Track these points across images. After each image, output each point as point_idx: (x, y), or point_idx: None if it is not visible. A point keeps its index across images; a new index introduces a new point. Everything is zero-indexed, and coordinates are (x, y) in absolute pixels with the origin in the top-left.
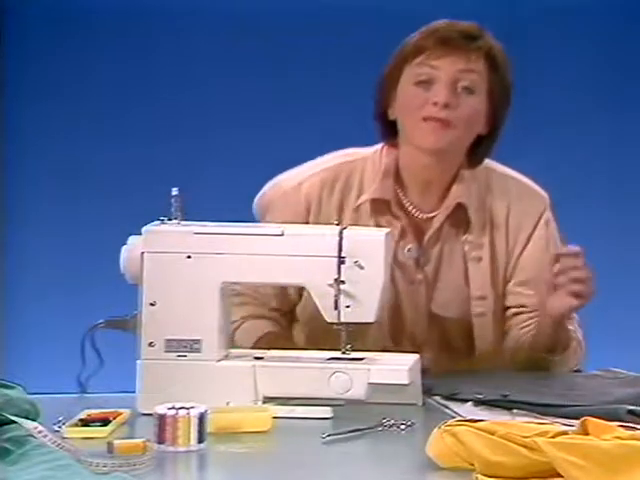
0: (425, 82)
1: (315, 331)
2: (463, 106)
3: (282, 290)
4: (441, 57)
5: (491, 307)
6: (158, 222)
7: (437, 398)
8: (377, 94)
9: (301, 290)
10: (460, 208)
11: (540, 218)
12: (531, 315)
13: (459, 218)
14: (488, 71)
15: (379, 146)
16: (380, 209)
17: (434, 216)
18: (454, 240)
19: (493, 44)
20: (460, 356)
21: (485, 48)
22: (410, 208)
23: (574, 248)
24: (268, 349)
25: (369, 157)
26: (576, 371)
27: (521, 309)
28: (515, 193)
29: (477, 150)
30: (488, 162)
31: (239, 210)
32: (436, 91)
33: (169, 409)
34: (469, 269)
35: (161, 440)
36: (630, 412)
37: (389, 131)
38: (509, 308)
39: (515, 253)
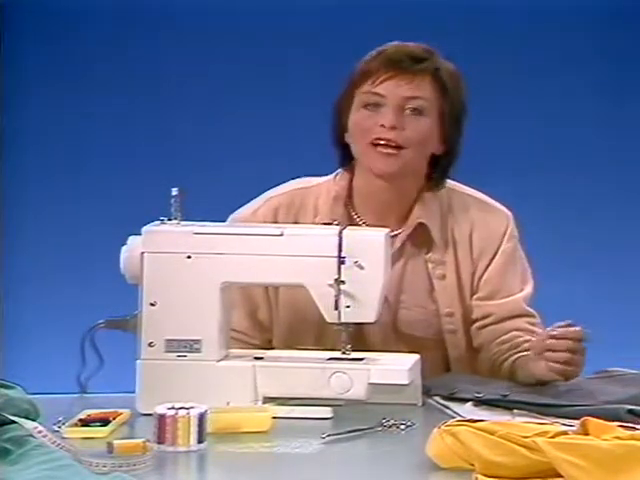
0: (373, 105)
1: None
2: (411, 127)
3: (255, 321)
4: (386, 81)
5: (460, 323)
6: (158, 222)
7: (437, 398)
8: (332, 120)
9: (271, 314)
10: (422, 228)
11: (505, 233)
12: (500, 327)
13: (421, 238)
14: (437, 94)
15: (332, 175)
16: None
17: (394, 235)
18: (416, 259)
19: (441, 66)
20: (435, 374)
21: (430, 70)
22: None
23: (570, 330)
24: None
25: (324, 184)
26: None
27: (486, 320)
28: (477, 211)
29: (435, 171)
30: (448, 182)
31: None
32: (383, 114)
33: (169, 409)
34: (435, 287)
35: (161, 440)
36: (630, 412)
37: (346, 156)
38: (475, 322)
39: (480, 269)
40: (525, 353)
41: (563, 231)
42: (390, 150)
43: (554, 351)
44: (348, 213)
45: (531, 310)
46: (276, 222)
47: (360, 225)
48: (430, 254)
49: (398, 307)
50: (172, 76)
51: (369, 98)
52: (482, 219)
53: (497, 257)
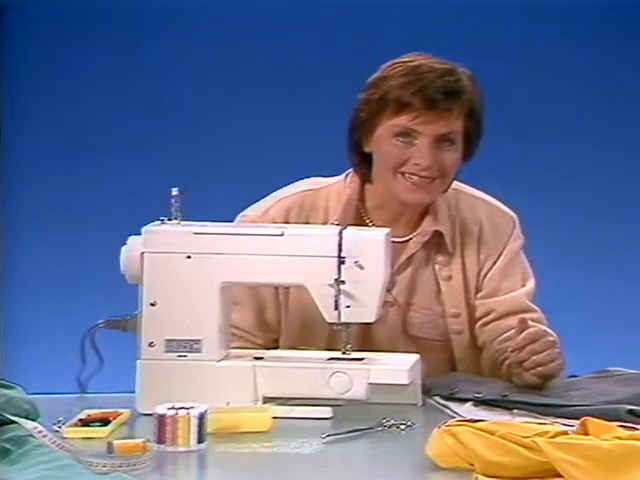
0: (405, 135)
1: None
2: (445, 159)
3: (262, 320)
4: (425, 123)
5: (466, 324)
6: (158, 222)
7: (437, 398)
8: (352, 130)
9: (279, 315)
10: (436, 233)
11: (511, 234)
12: (501, 324)
13: (432, 242)
14: (466, 122)
15: (342, 176)
16: None
17: (407, 241)
18: (426, 263)
19: (471, 91)
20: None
21: (467, 104)
22: None
23: (532, 333)
24: None
25: (333, 186)
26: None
27: (488, 317)
28: (485, 214)
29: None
30: (455, 183)
31: (239, 210)
32: (418, 151)
33: (169, 409)
34: (442, 288)
35: (161, 440)
36: (630, 412)
37: (363, 162)
38: (478, 320)
39: (485, 268)
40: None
41: (563, 232)
42: (423, 183)
43: (525, 361)
44: (360, 217)
45: (533, 306)
46: (287, 223)
47: (370, 227)
48: (438, 256)
49: (408, 310)
50: (173, 76)
51: (404, 132)
52: (490, 221)
53: (502, 256)
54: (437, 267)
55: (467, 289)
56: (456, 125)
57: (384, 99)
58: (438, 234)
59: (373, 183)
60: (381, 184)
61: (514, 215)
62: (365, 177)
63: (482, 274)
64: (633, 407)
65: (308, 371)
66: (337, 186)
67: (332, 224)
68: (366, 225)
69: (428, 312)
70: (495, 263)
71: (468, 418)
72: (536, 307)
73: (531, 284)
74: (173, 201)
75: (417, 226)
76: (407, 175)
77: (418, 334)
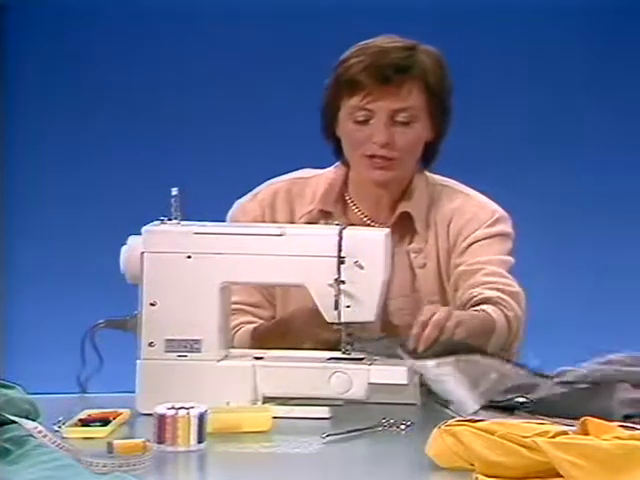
0: (363, 120)
1: None
2: (402, 138)
3: (266, 294)
4: (375, 99)
5: None
6: (158, 222)
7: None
8: (322, 118)
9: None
10: (407, 218)
11: (486, 221)
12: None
13: (406, 228)
14: (424, 96)
15: (333, 166)
16: (327, 220)
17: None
18: (400, 250)
19: (426, 66)
20: None
21: (419, 77)
22: (362, 218)
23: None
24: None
25: (323, 175)
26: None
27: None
28: (462, 202)
29: (425, 154)
30: (444, 180)
31: None
32: (375, 129)
33: (169, 409)
34: (417, 276)
35: (161, 440)
36: (626, 417)
37: (340, 148)
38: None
39: (457, 244)
40: (477, 308)
41: (558, 230)
42: (383, 162)
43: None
44: (343, 199)
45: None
46: (273, 205)
47: (354, 211)
48: (413, 244)
49: (387, 297)
50: (173, 76)
51: (358, 113)
52: (464, 208)
53: (474, 234)
54: (412, 255)
55: (441, 276)
56: (410, 101)
57: (339, 81)
58: (411, 221)
59: (351, 167)
60: (353, 168)
61: (500, 210)
62: (344, 162)
63: (452, 251)
64: (629, 412)
65: (308, 371)
66: (326, 175)
67: (315, 209)
68: (349, 207)
69: (405, 299)
70: (466, 239)
71: (468, 418)
72: (510, 277)
73: (510, 258)
74: (173, 201)
75: (395, 211)
76: (368, 157)
77: (397, 322)
